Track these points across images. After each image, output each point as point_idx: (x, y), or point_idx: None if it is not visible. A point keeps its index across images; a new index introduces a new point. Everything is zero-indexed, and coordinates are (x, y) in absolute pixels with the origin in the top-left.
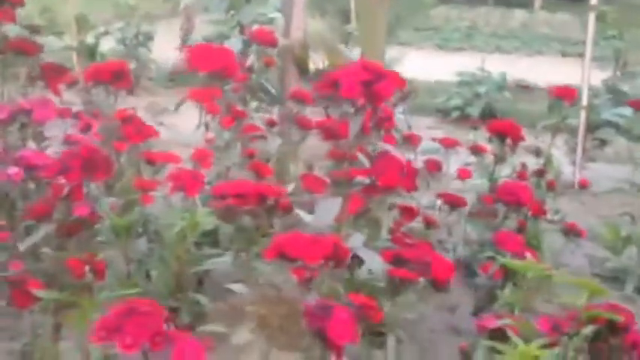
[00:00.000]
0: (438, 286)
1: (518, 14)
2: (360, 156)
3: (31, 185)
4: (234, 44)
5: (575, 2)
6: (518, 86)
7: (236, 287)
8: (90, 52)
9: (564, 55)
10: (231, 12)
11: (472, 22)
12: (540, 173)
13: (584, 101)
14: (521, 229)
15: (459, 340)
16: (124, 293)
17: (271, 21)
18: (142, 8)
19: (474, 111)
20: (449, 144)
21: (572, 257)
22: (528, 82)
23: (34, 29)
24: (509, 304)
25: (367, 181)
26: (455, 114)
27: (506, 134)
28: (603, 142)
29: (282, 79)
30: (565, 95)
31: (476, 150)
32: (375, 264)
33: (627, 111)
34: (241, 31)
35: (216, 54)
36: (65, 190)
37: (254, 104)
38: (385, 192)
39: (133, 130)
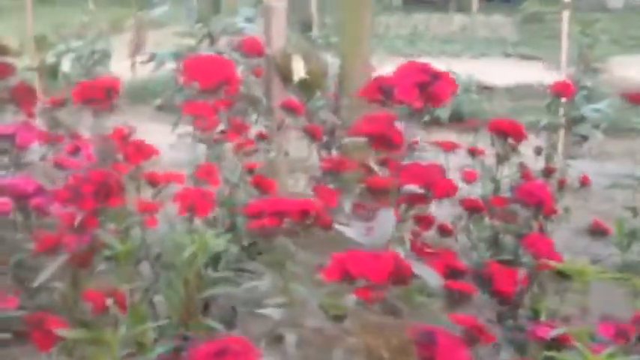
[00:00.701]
0: (501, 298)
1: (457, 18)
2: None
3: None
4: None
5: (509, 4)
6: (479, 87)
7: (269, 312)
8: (52, 72)
9: (507, 55)
10: (199, 24)
11: (413, 28)
12: (549, 172)
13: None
14: (541, 230)
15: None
16: (145, 327)
17: (240, 31)
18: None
19: (444, 113)
20: (448, 147)
21: (576, 255)
22: (488, 83)
23: (4, 50)
24: (534, 310)
25: (419, 190)
26: (424, 117)
27: (508, 134)
28: (584, 138)
29: (268, 89)
30: (563, 91)
31: (474, 152)
32: (432, 279)
33: (602, 106)
34: (211, 43)
35: (216, 66)
36: (78, 219)
37: (254, 117)
38: (428, 201)
39: (133, 150)
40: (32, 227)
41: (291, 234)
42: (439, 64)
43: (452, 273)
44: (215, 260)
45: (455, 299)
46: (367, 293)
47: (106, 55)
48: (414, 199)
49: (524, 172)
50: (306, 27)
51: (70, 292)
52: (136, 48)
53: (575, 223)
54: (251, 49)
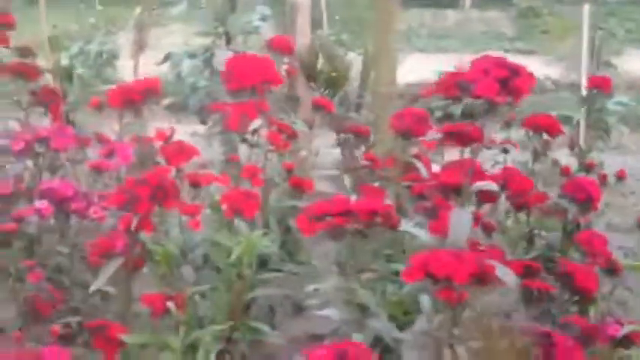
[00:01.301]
0: (583, 295)
1: (451, 14)
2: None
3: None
4: (224, 57)
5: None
6: None
7: (329, 313)
8: (67, 75)
9: (505, 51)
10: (216, 23)
11: (406, 24)
12: (590, 167)
13: (583, 91)
14: (588, 227)
15: None
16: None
17: (256, 29)
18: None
19: (457, 110)
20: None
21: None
22: None
23: (27, 52)
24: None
25: (494, 186)
26: (438, 114)
27: (544, 129)
28: (605, 132)
29: (292, 87)
30: (602, 85)
31: (506, 147)
32: (508, 277)
33: (626, 99)
34: (228, 42)
35: (259, 65)
36: (134, 222)
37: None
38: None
39: (175, 151)
40: (70, 231)
41: (357, 234)
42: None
43: (528, 272)
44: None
45: (531, 297)
46: (449, 294)
47: (114, 56)
48: (485, 197)
49: (564, 168)
50: (316, 24)
51: (122, 296)
52: (138, 48)
53: (610, 218)
54: (280, 47)
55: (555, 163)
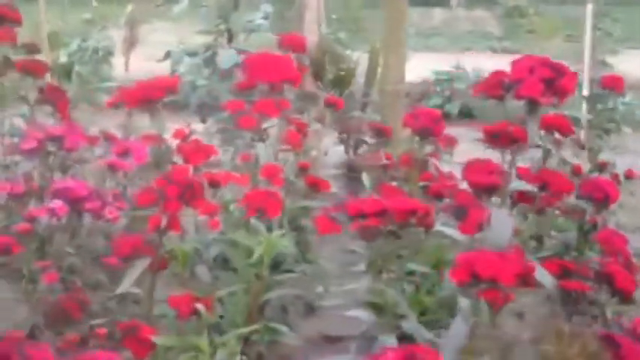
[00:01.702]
0: (622, 296)
1: (438, 13)
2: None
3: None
4: (228, 56)
5: None
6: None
7: (358, 314)
8: (66, 73)
9: (493, 50)
10: (217, 21)
11: None
12: (603, 167)
13: (585, 91)
14: (603, 226)
15: None
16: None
17: (259, 27)
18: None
19: (453, 109)
20: None
21: None
22: None
23: (33, 48)
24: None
25: (530, 187)
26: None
27: (556, 129)
28: (606, 132)
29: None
30: (614, 85)
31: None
32: (545, 278)
33: (629, 99)
34: (230, 40)
35: (279, 64)
36: (163, 222)
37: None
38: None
39: (193, 150)
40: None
41: (390, 235)
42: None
43: (564, 273)
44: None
45: (569, 298)
46: (494, 294)
47: (109, 53)
48: (521, 198)
49: (576, 167)
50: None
51: (147, 298)
52: (129, 45)
53: (618, 218)
54: (292, 45)
55: (565, 162)
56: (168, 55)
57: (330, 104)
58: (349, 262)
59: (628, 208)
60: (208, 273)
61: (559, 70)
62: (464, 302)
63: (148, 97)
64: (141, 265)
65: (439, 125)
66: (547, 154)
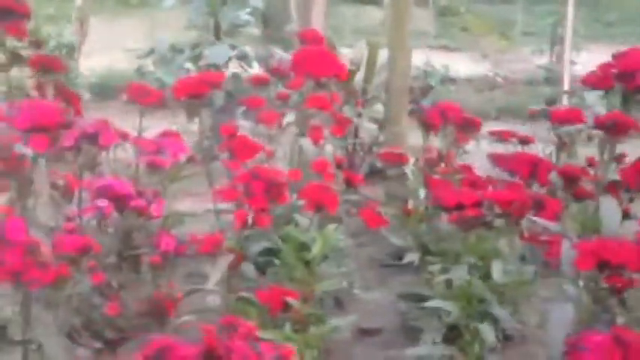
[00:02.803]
0: None
1: (372, 12)
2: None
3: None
4: (220, 51)
5: None
6: (444, 79)
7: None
8: None
9: (431, 48)
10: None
11: (330, 21)
12: (621, 158)
13: (566, 86)
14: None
15: None
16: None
17: (247, 23)
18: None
19: (426, 104)
20: (506, 136)
21: None
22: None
23: (38, 44)
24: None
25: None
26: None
27: (569, 122)
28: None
29: None
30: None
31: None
32: None
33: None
34: (217, 36)
35: (327, 59)
36: (250, 218)
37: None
38: None
39: (241, 146)
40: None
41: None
42: None
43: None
44: None
45: None
46: (620, 280)
47: (72, 48)
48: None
49: (590, 159)
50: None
51: (225, 295)
52: (80, 39)
53: None
54: (313, 41)
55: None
56: (151, 51)
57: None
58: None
59: None
60: (253, 269)
61: None
62: (571, 290)
63: (195, 91)
64: (224, 261)
65: (476, 119)
66: (561, 147)
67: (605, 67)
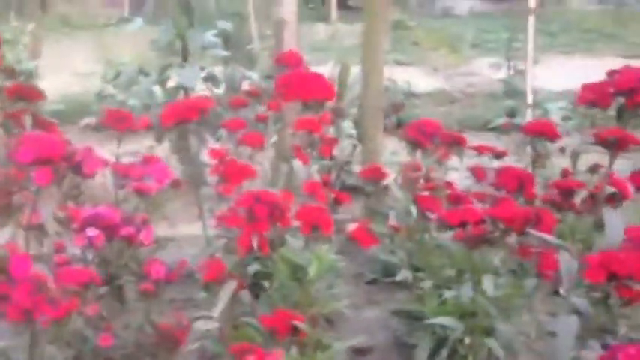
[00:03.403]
0: None
1: (322, 28)
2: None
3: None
4: (190, 73)
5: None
6: (406, 94)
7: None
8: None
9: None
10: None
11: None
12: (595, 169)
13: (530, 99)
14: None
15: None
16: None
17: (214, 45)
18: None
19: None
20: (483, 151)
21: None
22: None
23: (11, 73)
24: None
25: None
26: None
27: (543, 135)
28: None
29: None
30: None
31: (500, 155)
32: None
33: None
34: (184, 58)
35: (314, 82)
36: (254, 242)
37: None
38: None
39: (236, 170)
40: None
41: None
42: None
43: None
44: None
45: None
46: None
47: (31, 75)
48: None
49: (564, 170)
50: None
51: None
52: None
53: None
54: (290, 63)
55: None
56: (119, 74)
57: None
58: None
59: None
60: (248, 293)
61: None
62: (578, 301)
63: (183, 117)
64: (230, 287)
65: (462, 137)
66: (537, 159)
67: (599, 86)
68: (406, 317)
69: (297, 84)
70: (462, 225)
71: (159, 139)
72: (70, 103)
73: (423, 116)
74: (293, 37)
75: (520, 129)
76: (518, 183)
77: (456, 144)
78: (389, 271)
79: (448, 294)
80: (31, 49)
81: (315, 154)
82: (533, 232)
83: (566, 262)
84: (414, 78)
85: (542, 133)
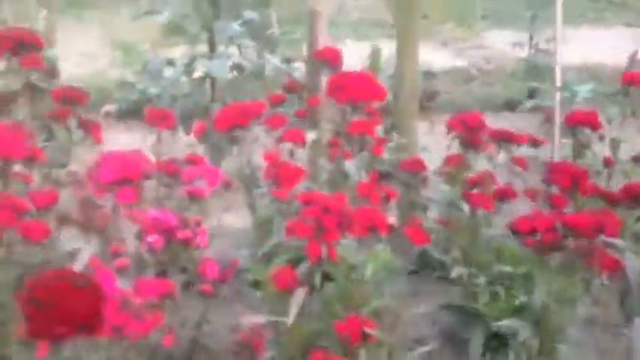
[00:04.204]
0: None
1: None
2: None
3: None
4: (220, 64)
5: None
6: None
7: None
8: None
9: (390, 37)
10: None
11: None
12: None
13: (558, 82)
14: None
15: None
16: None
17: (241, 35)
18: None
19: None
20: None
21: None
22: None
23: (53, 74)
24: None
25: None
26: None
27: (586, 124)
28: None
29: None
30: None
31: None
32: None
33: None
34: (211, 49)
35: (366, 83)
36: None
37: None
38: None
39: (289, 172)
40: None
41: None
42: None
43: None
44: None
45: None
46: None
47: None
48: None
49: (607, 159)
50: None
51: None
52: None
53: None
54: (328, 59)
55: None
56: (146, 65)
57: None
58: None
59: None
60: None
61: None
62: None
63: (237, 122)
64: (300, 294)
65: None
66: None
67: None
68: (458, 312)
69: (351, 87)
70: (532, 232)
71: (187, 131)
72: (87, 89)
73: (445, 98)
74: (325, 27)
75: (546, 112)
76: (572, 180)
77: (504, 140)
78: (435, 265)
79: (520, 300)
80: (46, 36)
81: (366, 154)
82: (603, 238)
83: (632, 262)
84: (426, 54)
85: (587, 122)
